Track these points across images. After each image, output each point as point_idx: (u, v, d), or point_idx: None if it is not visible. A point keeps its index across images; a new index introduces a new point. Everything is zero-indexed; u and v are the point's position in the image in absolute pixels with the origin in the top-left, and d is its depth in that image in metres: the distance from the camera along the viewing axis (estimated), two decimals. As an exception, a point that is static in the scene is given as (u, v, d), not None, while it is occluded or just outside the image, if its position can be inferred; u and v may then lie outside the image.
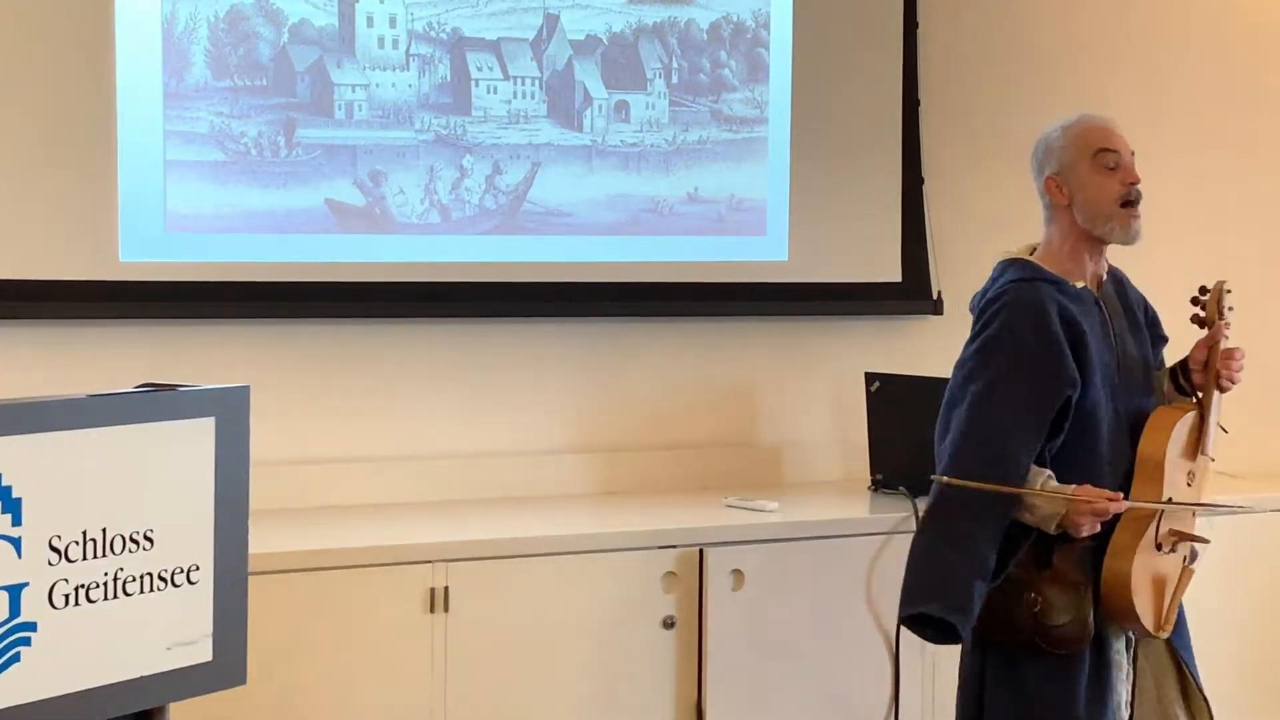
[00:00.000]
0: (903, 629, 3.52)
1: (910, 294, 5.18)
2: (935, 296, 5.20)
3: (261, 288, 4.43)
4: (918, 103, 5.16)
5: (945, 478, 3.39)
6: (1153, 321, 3.74)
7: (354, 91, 4.49)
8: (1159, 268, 4.59)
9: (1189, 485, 3.57)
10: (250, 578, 2.83)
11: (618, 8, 4.80)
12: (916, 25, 5.16)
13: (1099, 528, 3.41)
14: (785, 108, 5.01)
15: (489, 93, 4.64)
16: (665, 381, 4.93)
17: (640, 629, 4.18)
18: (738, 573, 4.27)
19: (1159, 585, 3.53)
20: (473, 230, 4.64)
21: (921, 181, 5.17)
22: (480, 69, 4.63)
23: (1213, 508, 3.76)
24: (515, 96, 4.67)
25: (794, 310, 5.06)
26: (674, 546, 4.23)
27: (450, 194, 4.61)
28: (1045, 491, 3.37)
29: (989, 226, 5.31)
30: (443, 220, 4.61)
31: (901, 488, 4.67)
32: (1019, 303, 3.46)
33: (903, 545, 4.40)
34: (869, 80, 5.11)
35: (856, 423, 4.95)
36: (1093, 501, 3.36)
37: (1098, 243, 3.57)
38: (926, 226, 5.18)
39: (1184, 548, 3.61)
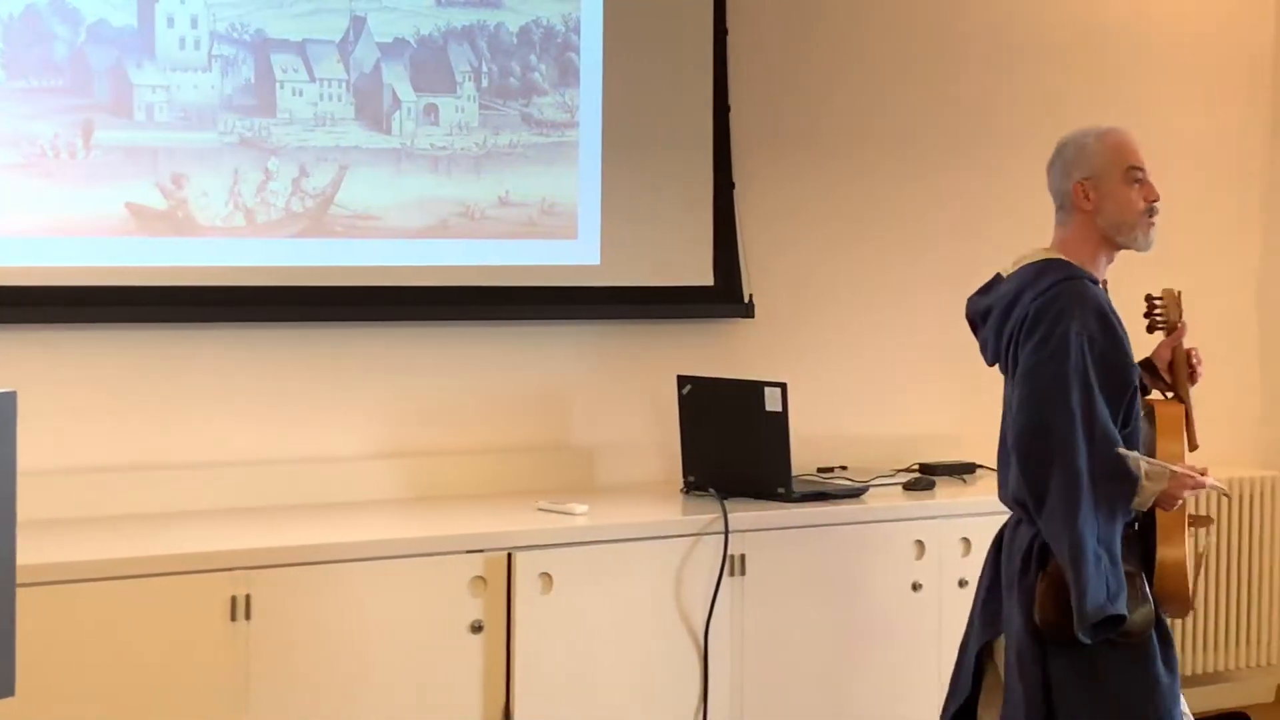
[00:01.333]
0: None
1: (722, 297, 5.21)
2: (746, 300, 5.24)
3: (60, 292, 4.33)
4: (728, 108, 5.20)
5: (1123, 450, 3.52)
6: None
7: (154, 93, 4.42)
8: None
9: None
10: (39, 588, 2.76)
11: (426, 10, 4.77)
12: (726, 31, 5.19)
13: (1185, 501, 3.61)
14: (596, 112, 5.01)
15: (294, 95, 4.59)
16: (477, 386, 4.91)
17: (448, 634, 4.15)
18: (546, 576, 4.26)
19: (1193, 567, 3.72)
20: (279, 234, 4.59)
21: (732, 185, 5.21)
22: (285, 71, 4.58)
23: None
24: (321, 99, 4.63)
25: (606, 314, 5.07)
26: (482, 551, 4.21)
27: (255, 197, 4.55)
28: (1170, 465, 3.56)
29: (800, 230, 5.38)
30: (247, 223, 4.55)
31: (712, 489, 4.70)
32: (1079, 298, 3.62)
33: (713, 546, 4.46)
34: (679, 85, 5.14)
35: (669, 425, 4.96)
36: (1193, 478, 3.58)
37: (1115, 248, 3.75)
38: (738, 230, 5.22)
39: (1197, 530, 3.79)
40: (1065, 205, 3.77)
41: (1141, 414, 3.71)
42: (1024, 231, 5.70)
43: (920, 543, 4.81)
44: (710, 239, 5.18)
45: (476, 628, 4.18)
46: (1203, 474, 3.61)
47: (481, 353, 4.92)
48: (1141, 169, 3.72)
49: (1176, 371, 3.84)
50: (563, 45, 4.97)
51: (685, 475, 4.88)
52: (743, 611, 4.53)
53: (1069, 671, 3.61)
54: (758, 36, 5.27)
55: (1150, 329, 3.88)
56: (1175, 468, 3.59)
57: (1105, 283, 3.78)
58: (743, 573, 4.53)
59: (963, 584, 4.85)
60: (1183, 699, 3.77)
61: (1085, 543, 3.51)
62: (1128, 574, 3.58)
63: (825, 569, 4.68)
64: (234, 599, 3.90)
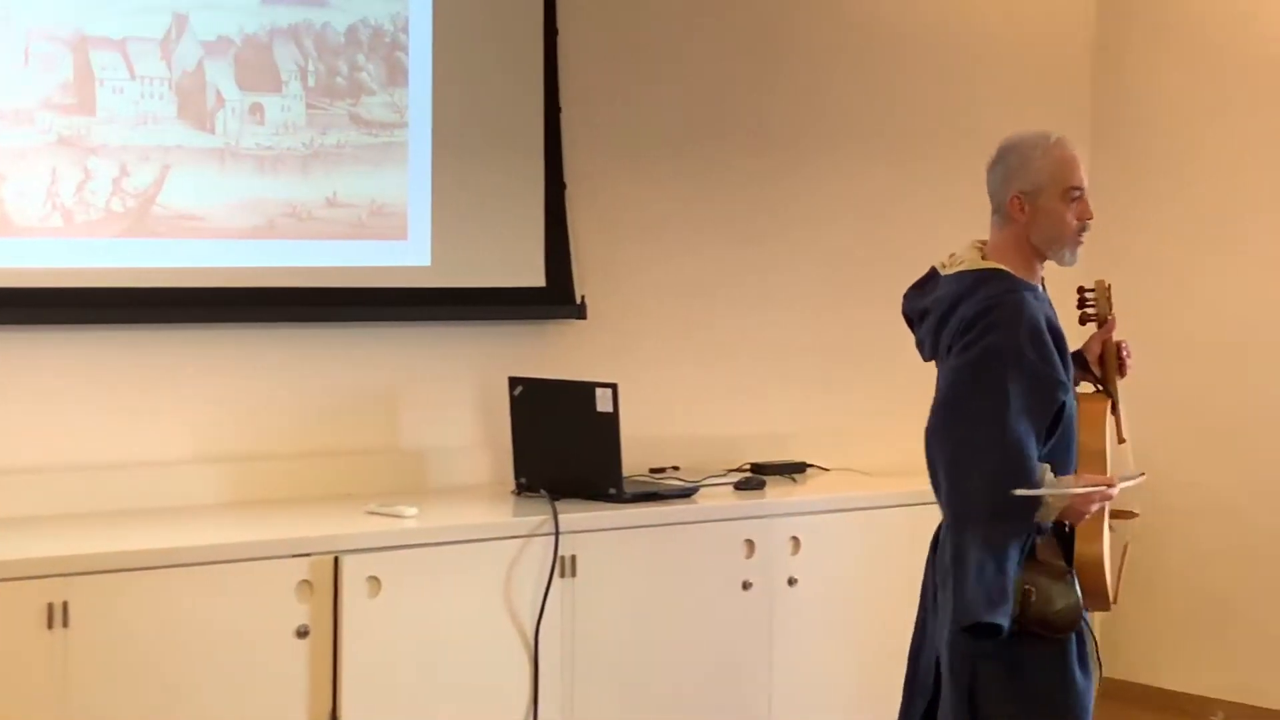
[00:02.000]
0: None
1: (554, 298, 5.20)
2: (579, 301, 5.24)
3: None
4: (559, 108, 5.19)
5: (1020, 490, 3.50)
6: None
7: (-32, 90, 4.32)
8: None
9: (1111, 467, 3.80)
10: None
11: (250, 9, 4.71)
12: (556, 31, 5.19)
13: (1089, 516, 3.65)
14: (426, 112, 4.98)
15: (115, 93, 4.51)
16: (306, 389, 4.85)
17: (273, 640, 4.09)
18: (374, 580, 4.22)
19: (1114, 563, 3.77)
20: (99, 234, 4.50)
21: (564, 186, 5.20)
22: (105, 69, 4.49)
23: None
24: (143, 97, 4.55)
25: (437, 315, 5.04)
26: (308, 555, 4.16)
27: (74, 197, 4.46)
28: (1070, 489, 3.56)
29: (632, 231, 5.39)
30: (65, 224, 4.45)
31: (543, 491, 4.69)
32: (1012, 314, 3.60)
33: (543, 547, 4.45)
34: (510, 86, 5.12)
35: (500, 427, 4.95)
36: (1100, 490, 3.60)
37: (1044, 258, 3.74)
38: (569, 231, 5.21)
39: (1120, 524, 3.83)
40: (1000, 212, 3.75)
41: (1074, 420, 3.72)
42: (860, 232, 5.80)
43: (750, 542, 4.84)
44: (542, 240, 5.17)
45: (302, 633, 4.13)
46: (1110, 485, 3.63)
47: (310, 355, 4.86)
48: (1081, 188, 3.71)
49: (1106, 364, 3.86)
50: (391, 45, 4.93)
51: (517, 477, 4.87)
52: (573, 613, 4.53)
53: (993, 666, 3.65)
54: (589, 36, 5.27)
55: (1082, 321, 3.89)
56: (1078, 490, 3.60)
57: (1043, 280, 3.79)
58: (574, 574, 4.53)
59: (792, 582, 4.90)
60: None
61: (968, 552, 3.54)
62: (1060, 572, 3.64)
63: (656, 569, 4.69)
64: (51, 606, 3.81)
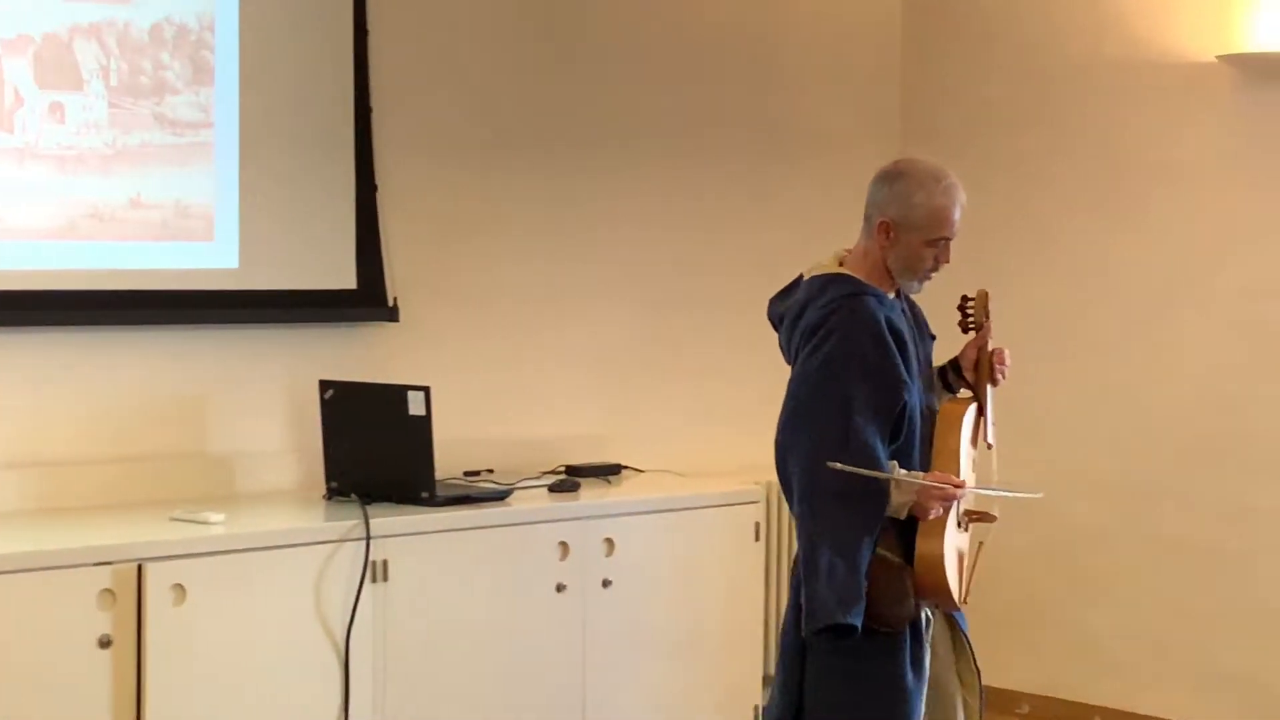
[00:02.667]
0: None
1: (365, 301, 5.15)
2: (391, 303, 5.19)
3: None
4: (369, 108, 5.15)
5: (839, 464, 3.54)
6: (923, 323, 3.98)
7: None
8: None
9: (973, 471, 3.89)
10: None
11: (50, 6, 4.60)
12: (367, 32, 5.14)
13: (940, 511, 3.70)
14: (233, 112, 4.91)
15: (-94, 91, 4.38)
16: (108, 393, 4.75)
17: (74, 650, 4.00)
18: (179, 588, 4.14)
19: (959, 561, 3.82)
20: (-109, 236, 4.37)
21: (375, 187, 5.16)
22: (-104, 65, 4.36)
23: (1006, 493, 4.01)
24: (-63, 95, 4.43)
25: (245, 318, 4.97)
26: (110, 563, 4.07)
27: None
28: (909, 478, 3.64)
29: (446, 232, 5.36)
30: None
31: (354, 495, 4.64)
32: (854, 317, 3.68)
33: (354, 552, 4.41)
34: (319, 86, 5.06)
35: (311, 431, 4.89)
36: (945, 488, 3.66)
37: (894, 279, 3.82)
38: (381, 233, 5.17)
39: (976, 526, 3.91)
40: (869, 225, 3.81)
41: (919, 419, 3.77)
42: (673, 233, 5.82)
43: (564, 544, 4.83)
44: (353, 241, 5.12)
45: (105, 643, 4.04)
46: (959, 486, 3.70)
47: (114, 359, 4.76)
48: (948, 238, 3.77)
49: (979, 371, 3.93)
50: (197, 44, 4.85)
51: (328, 482, 4.81)
52: (385, 618, 4.49)
53: (821, 659, 3.73)
54: (400, 37, 5.23)
55: (962, 329, 3.97)
56: (926, 480, 3.66)
57: (898, 290, 3.85)
58: (385, 579, 4.49)
59: (606, 584, 4.90)
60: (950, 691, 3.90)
61: (819, 552, 3.60)
62: (895, 567, 3.68)
63: (469, 572, 4.66)
64: None
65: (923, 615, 3.81)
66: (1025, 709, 6.01)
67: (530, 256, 5.53)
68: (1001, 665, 6.08)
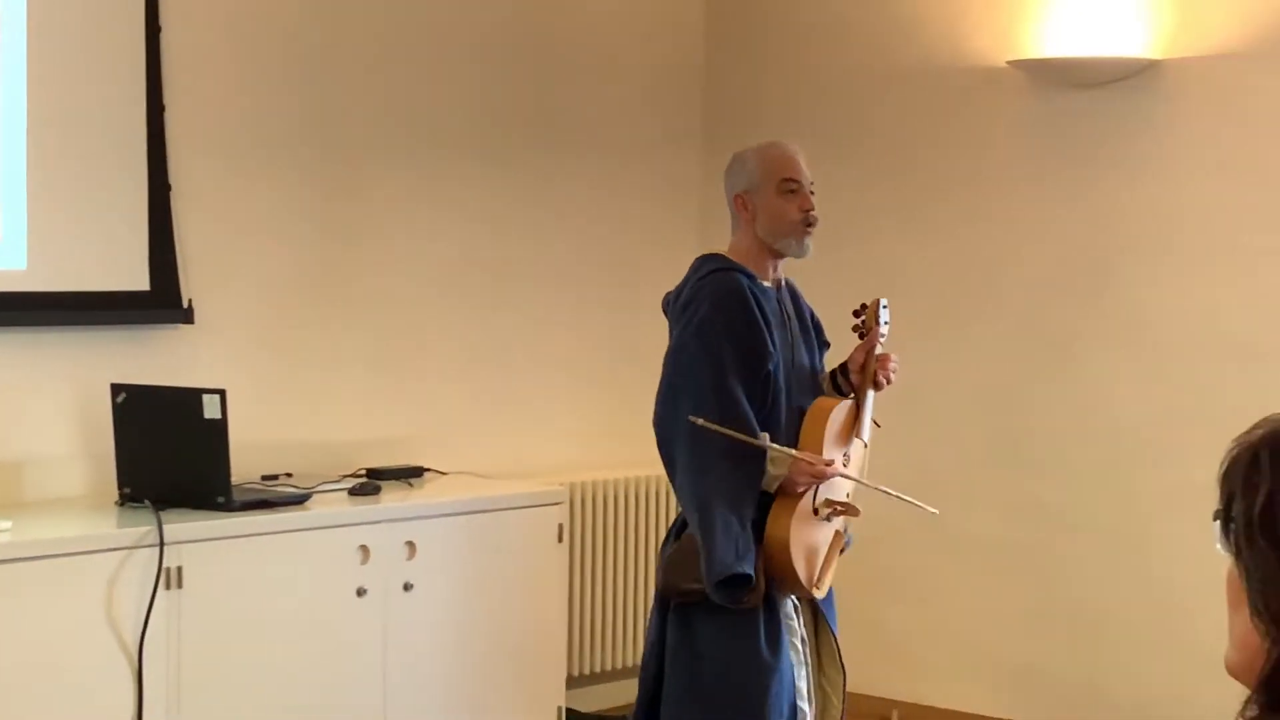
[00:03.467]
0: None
1: (159, 302, 5.05)
2: (186, 305, 5.09)
3: None
4: (163, 108, 5.04)
5: (700, 420, 3.74)
6: (818, 327, 4.16)
7: None
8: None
9: (844, 466, 4.02)
10: None
11: None
12: (159, 29, 5.04)
13: (808, 488, 3.86)
14: (20, 111, 4.77)
15: None
16: (-110, 398, 4.60)
17: None
18: (-36, 598, 4.03)
19: (814, 550, 3.93)
20: None
21: (168, 187, 5.06)
22: None
23: (899, 496, 4.18)
24: None
25: (34, 320, 4.84)
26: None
27: None
28: (782, 450, 3.79)
29: (242, 233, 5.27)
30: None
31: (148, 501, 4.54)
32: (723, 288, 3.89)
33: (147, 559, 4.32)
34: (110, 84, 4.95)
35: (103, 436, 4.77)
36: (814, 464, 3.82)
37: (776, 254, 3.99)
38: (175, 233, 5.07)
39: (840, 519, 4.03)
40: (732, 215, 4.04)
41: (785, 402, 3.93)
42: (473, 234, 5.79)
43: (365, 548, 4.78)
44: (145, 242, 5.01)
45: (-116, 656, 3.92)
46: (829, 464, 3.86)
47: (-105, 363, 4.62)
48: (796, 181, 3.98)
49: (864, 373, 4.10)
50: (-19, 38, 4.71)
51: (120, 487, 4.70)
52: (180, 626, 4.40)
53: (679, 634, 3.86)
54: (193, 34, 5.13)
55: (855, 332, 4.16)
56: (798, 454, 3.80)
57: (782, 283, 4.06)
58: (180, 585, 4.40)
59: (408, 587, 4.86)
60: (803, 691, 3.96)
61: (713, 508, 3.77)
62: None
63: (267, 578, 4.59)
64: None
65: (785, 597, 3.93)
66: (895, 715, 6.07)
67: (330, 257, 5.46)
68: (870, 672, 6.14)
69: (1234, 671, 1.60)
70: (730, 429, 3.77)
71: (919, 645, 5.96)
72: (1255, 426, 1.61)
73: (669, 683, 3.92)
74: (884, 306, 4.17)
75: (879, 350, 4.12)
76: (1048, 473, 5.71)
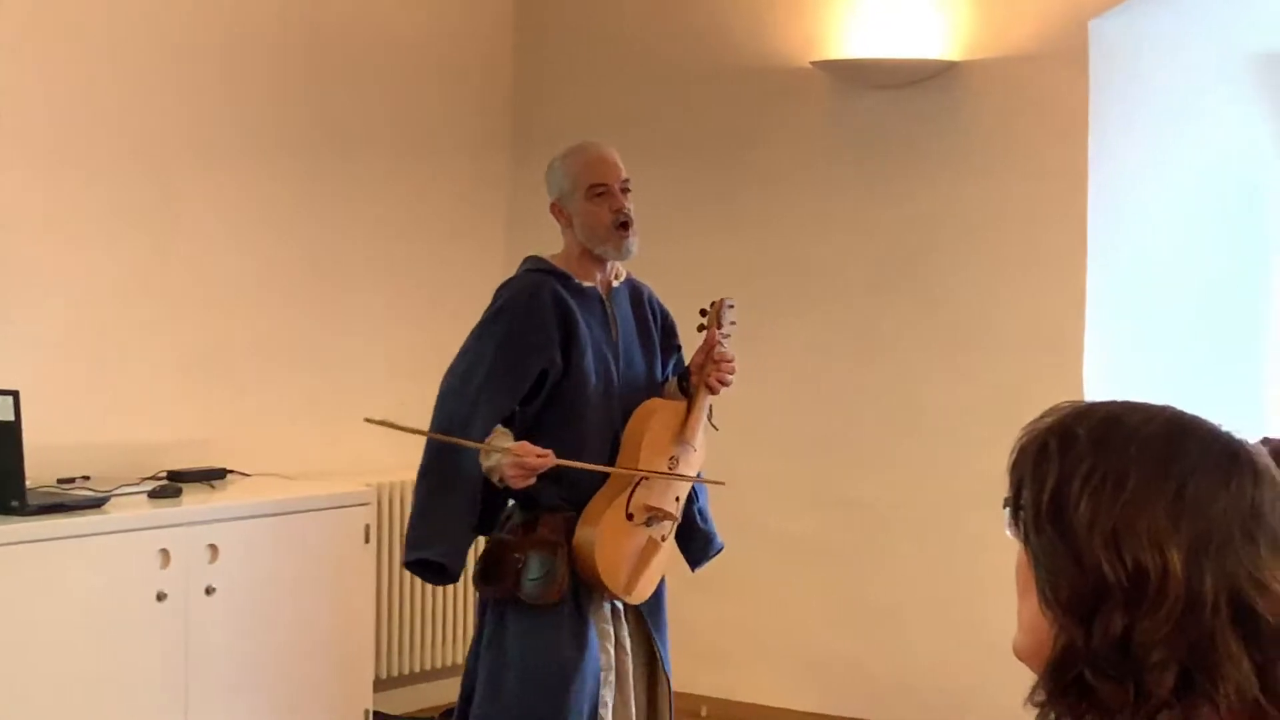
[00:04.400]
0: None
1: (-51, 302, 4.90)
2: (-23, 304, 4.95)
3: None
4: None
5: (374, 419, 3.83)
6: (668, 331, 4.16)
7: None
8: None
9: (670, 468, 3.93)
10: None
11: None
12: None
13: (533, 480, 3.79)
14: None
15: None
16: None
17: None
18: None
19: (625, 554, 3.90)
20: None
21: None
22: None
23: (680, 476, 4.07)
24: None
25: None
26: None
27: None
28: (497, 446, 3.76)
29: (37, 229, 5.14)
30: None
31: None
32: (518, 287, 3.94)
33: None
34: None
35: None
36: (521, 456, 3.76)
37: (600, 258, 3.99)
38: (-35, 230, 4.93)
39: (662, 524, 4.00)
40: (556, 222, 4.06)
41: (589, 403, 3.92)
42: (277, 234, 5.69)
43: (165, 551, 4.68)
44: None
45: None
46: (541, 456, 3.79)
47: None
48: (604, 184, 3.97)
49: (700, 375, 4.07)
50: None
51: (-92, 493, 4.55)
52: (-29, 633, 4.27)
53: (492, 631, 3.90)
54: (8, 33, 4.99)
55: (699, 330, 4.13)
56: (512, 446, 3.78)
57: (613, 285, 4.05)
58: (-30, 593, 4.28)
59: (210, 591, 4.77)
60: (610, 691, 3.96)
61: (419, 493, 3.90)
62: (550, 545, 3.84)
63: (64, 584, 4.47)
64: None
65: (603, 598, 3.93)
66: (704, 712, 6.08)
67: (127, 253, 5.33)
68: (681, 669, 6.15)
69: (1022, 656, 1.62)
70: (448, 417, 3.84)
71: (729, 641, 5.99)
72: (1044, 415, 1.63)
73: (478, 678, 3.94)
74: (729, 306, 4.15)
75: (721, 351, 4.09)
76: (859, 468, 5.78)
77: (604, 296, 4.04)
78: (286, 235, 5.76)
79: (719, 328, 4.11)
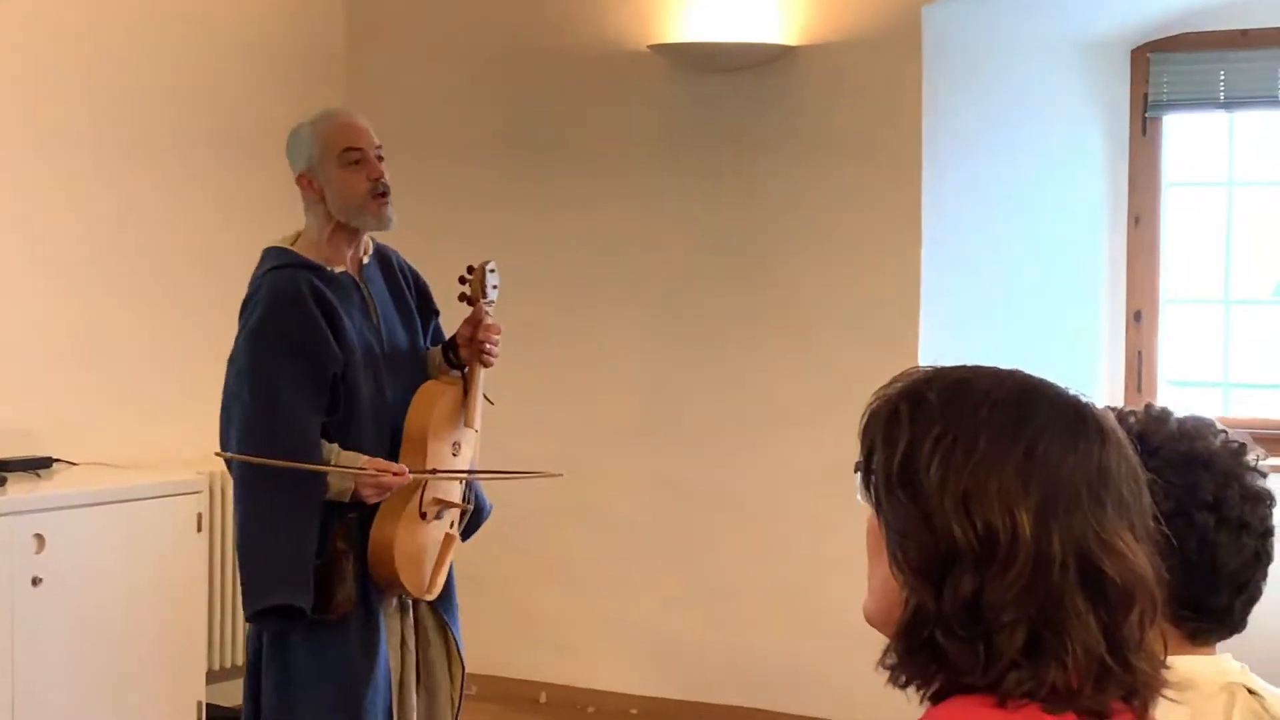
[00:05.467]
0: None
1: None
2: None
3: None
4: None
5: (228, 454, 3.58)
6: (423, 295, 3.91)
7: None
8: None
9: (455, 455, 3.79)
10: None
11: None
12: None
13: (387, 495, 3.65)
14: None
15: None
16: None
17: None
18: None
19: (423, 552, 3.76)
20: None
21: None
22: None
23: (509, 474, 4.17)
24: None
25: None
26: None
27: None
28: (340, 467, 3.56)
29: None
30: None
31: None
32: (276, 290, 3.63)
33: None
34: None
35: None
36: (378, 475, 3.60)
37: (353, 231, 3.74)
38: None
39: (450, 515, 3.84)
40: (302, 197, 3.80)
41: (369, 397, 3.72)
42: (115, 224, 5.57)
43: (-11, 542, 4.56)
44: None
45: None
46: (397, 474, 3.64)
47: None
48: (359, 149, 3.74)
49: (471, 348, 3.86)
50: None
51: None
52: None
53: (272, 650, 3.69)
54: None
55: (460, 299, 3.90)
56: (360, 469, 3.60)
57: (363, 265, 3.81)
58: None
59: (36, 582, 4.65)
60: (409, 693, 3.84)
61: (249, 536, 3.61)
62: (340, 552, 3.63)
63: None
64: None
65: (382, 608, 3.77)
66: (473, 690, 6.04)
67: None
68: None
69: (872, 620, 1.63)
70: (282, 448, 3.56)
71: (567, 627, 5.98)
72: (894, 380, 1.64)
73: (264, 702, 3.73)
74: (491, 270, 3.92)
75: (488, 320, 3.88)
76: (696, 453, 5.80)
77: (357, 278, 3.81)
78: (112, 224, 5.62)
79: (484, 296, 3.89)
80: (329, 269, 3.74)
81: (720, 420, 5.76)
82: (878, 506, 1.60)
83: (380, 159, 3.79)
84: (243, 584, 3.61)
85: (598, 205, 5.95)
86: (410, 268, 4.00)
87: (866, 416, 1.62)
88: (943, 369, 1.63)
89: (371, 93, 6.31)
